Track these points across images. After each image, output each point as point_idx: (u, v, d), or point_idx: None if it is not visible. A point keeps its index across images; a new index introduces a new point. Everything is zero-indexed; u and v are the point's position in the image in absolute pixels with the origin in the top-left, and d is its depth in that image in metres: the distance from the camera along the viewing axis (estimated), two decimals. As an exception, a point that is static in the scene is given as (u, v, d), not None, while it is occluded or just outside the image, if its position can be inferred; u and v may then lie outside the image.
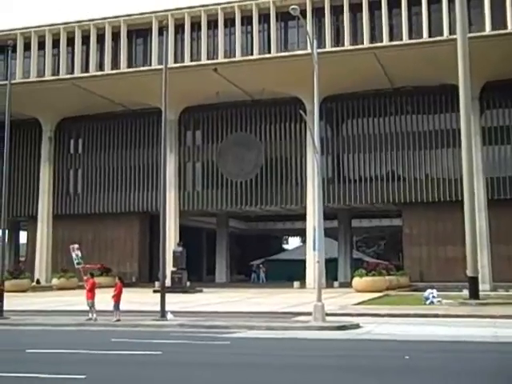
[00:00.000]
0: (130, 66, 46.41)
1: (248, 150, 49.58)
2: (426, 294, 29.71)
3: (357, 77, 42.70)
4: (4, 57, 48.09)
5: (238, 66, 43.25)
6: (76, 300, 32.50)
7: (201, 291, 41.39)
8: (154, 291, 35.99)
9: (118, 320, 23.49)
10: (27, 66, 48.19)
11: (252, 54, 43.47)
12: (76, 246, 30.40)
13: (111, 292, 24.73)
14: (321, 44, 39.30)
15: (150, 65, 45.10)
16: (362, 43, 41.42)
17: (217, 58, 43.97)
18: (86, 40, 47.44)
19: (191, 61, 44.60)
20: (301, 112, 27.85)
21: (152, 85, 38.34)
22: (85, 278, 26.08)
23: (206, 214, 56.28)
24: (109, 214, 52.48)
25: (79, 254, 30.37)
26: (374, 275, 38.53)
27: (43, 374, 11.94)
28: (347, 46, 41.76)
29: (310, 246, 34.46)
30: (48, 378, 11.68)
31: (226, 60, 43.57)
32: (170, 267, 38.36)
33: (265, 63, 42.79)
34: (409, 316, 24.40)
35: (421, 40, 40.22)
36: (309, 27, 39.81)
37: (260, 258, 64.62)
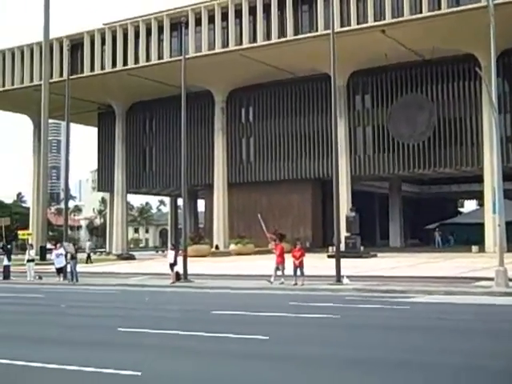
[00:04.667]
0: (296, 33, 46.49)
1: (420, 112, 48.18)
2: None
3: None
4: (177, 33, 50.07)
5: (407, 26, 41.88)
6: (253, 265, 33.64)
7: (375, 256, 41.13)
8: (329, 256, 36.26)
9: (296, 284, 24.03)
10: (198, 40, 49.86)
11: (421, 11, 41.89)
12: (259, 215, 31.22)
13: (288, 257, 25.32)
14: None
15: (317, 30, 44.89)
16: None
17: (384, 19, 42.85)
18: (252, 11, 48.10)
19: (358, 23, 43.85)
20: (476, 69, 26.67)
21: (319, 50, 38.20)
22: (273, 243, 26.91)
23: (377, 178, 55.63)
24: (282, 181, 53.41)
25: (262, 222, 31.19)
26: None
27: (229, 333, 12.48)
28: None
29: (489, 209, 33.03)
30: (234, 337, 12.19)
31: (394, 20, 42.32)
32: (343, 232, 38.40)
33: (435, 20, 41.06)
34: None
35: None
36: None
37: (434, 222, 62.92)
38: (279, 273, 25.18)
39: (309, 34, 45.33)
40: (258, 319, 15.48)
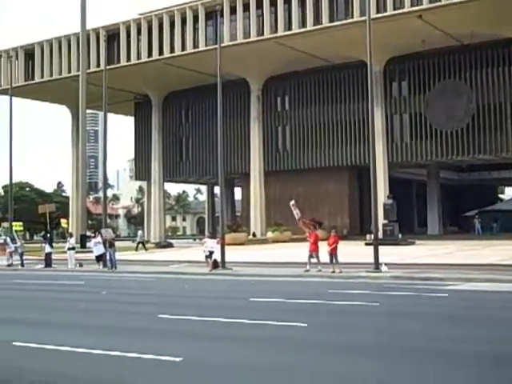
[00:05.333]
0: (331, 20, 46.10)
1: (458, 98, 47.53)
2: None
3: None
4: (212, 22, 50.15)
5: (444, 11, 41.23)
6: (290, 252, 33.66)
7: (413, 243, 40.83)
8: (366, 244, 36.11)
9: (333, 272, 24.02)
10: (233, 28, 49.83)
11: (459, -5, 41.21)
12: (292, 202, 31.11)
13: (325, 245, 25.30)
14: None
15: (352, 17, 44.51)
16: None
17: (421, 4, 42.26)
18: (288, -2, 47.93)
19: (394, 9, 43.33)
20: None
21: (355, 37, 37.94)
22: (308, 231, 26.88)
23: (415, 165, 55.14)
24: (318, 169, 53.27)
25: (296, 209, 31.09)
26: None
27: (268, 321, 12.55)
28: None
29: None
30: (272, 324, 12.25)
31: (432, 5, 41.69)
32: (381, 220, 38.15)
33: (473, 4, 40.36)
34: None
35: None
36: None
37: (474, 209, 62.16)
38: (314, 260, 25.16)
39: (344, 21, 44.95)
40: (297, 307, 15.53)
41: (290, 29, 47.44)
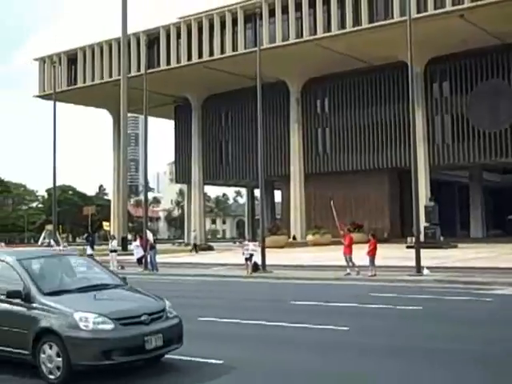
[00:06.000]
0: (371, 21, 45.76)
1: (500, 98, 46.74)
2: None
3: None
4: (251, 25, 50.27)
5: (486, 10, 40.57)
6: (331, 255, 33.44)
7: (455, 246, 40.27)
8: (407, 247, 35.70)
9: (374, 275, 23.80)
10: (272, 31, 49.83)
11: (501, -7, 40.52)
12: (332, 201, 30.82)
13: (364, 248, 25.11)
14: None
15: (392, 17, 44.12)
16: None
17: (463, 3, 41.70)
18: (326, 0, 47.71)
19: (435, 9, 42.82)
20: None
21: (395, 38, 37.57)
22: (342, 233, 26.69)
23: (457, 167, 54.34)
24: (358, 172, 52.92)
25: (334, 209, 30.88)
26: None
27: (309, 324, 12.48)
28: None
29: None
30: (313, 328, 12.19)
31: (473, 4, 41.09)
32: (422, 223, 37.73)
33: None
34: None
35: None
36: None
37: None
38: (350, 264, 24.97)
39: (384, 22, 44.55)
40: (337, 310, 15.43)
41: (329, 30, 47.24)
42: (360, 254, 24.90)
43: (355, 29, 45.76)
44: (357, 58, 49.41)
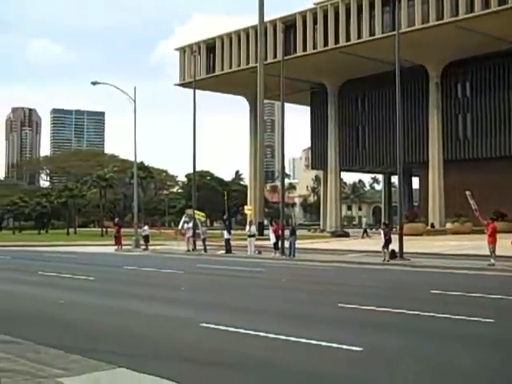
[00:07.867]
0: (518, -2, 43.62)
1: None
2: None
3: None
4: (389, 8, 49.28)
5: None
6: (471, 244, 32.40)
7: None
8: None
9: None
10: (411, 14, 48.64)
11: None
12: (468, 192, 29.87)
13: (508, 237, 24.08)
14: None
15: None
16: None
17: None
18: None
19: None
20: None
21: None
22: (485, 222, 25.72)
23: None
24: (500, 158, 50.79)
25: (472, 200, 29.84)
26: None
27: (451, 315, 12.14)
28: None
29: None
30: (458, 319, 11.84)
31: None
32: None
33: None
34: None
35: None
36: None
37: None
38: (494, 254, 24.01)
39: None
40: (479, 301, 14.91)
41: (472, 11, 45.47)
42: (505, 244, 23.92)
43: (502, 7, 43.75)
44: (502, 39, 47.21)
